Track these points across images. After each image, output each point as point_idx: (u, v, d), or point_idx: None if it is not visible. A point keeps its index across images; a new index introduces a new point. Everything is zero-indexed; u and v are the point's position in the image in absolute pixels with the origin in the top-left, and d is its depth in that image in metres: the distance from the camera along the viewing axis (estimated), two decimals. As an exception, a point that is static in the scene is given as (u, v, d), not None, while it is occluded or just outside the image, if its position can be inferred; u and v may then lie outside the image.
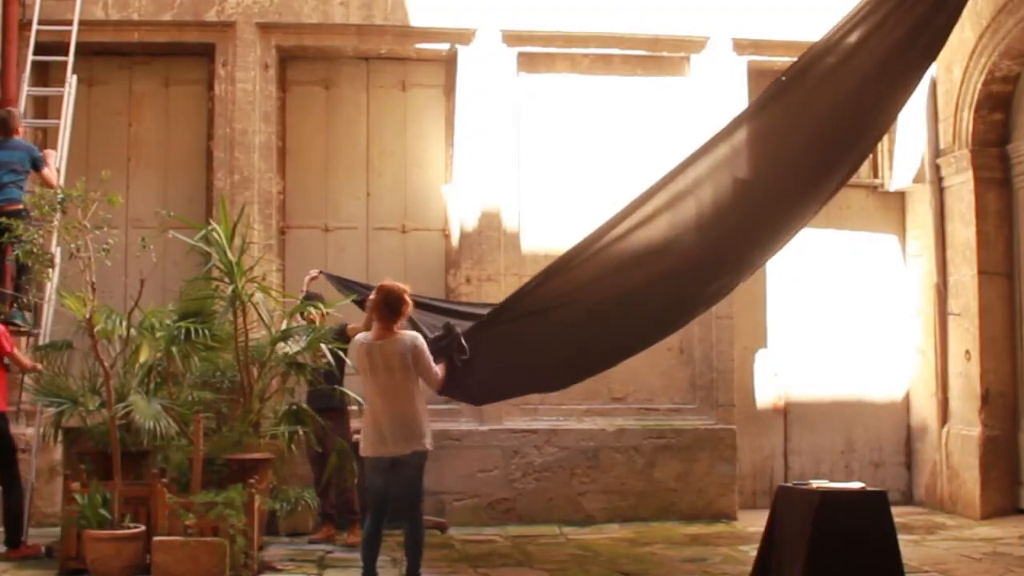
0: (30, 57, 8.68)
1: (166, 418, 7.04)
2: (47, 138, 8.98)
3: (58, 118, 8.46)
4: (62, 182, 7.99)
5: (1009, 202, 9.36)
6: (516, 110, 9.49)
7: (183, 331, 7.31)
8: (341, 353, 7.37)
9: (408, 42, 9.48)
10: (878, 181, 10.26)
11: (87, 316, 6.80)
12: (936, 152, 9.77)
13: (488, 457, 9.15)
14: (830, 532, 5.90)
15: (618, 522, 9.09)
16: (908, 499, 10.06)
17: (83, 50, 8.86)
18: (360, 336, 6.38)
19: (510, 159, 9.41)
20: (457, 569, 7.23)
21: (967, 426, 9.34)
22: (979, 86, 9.22)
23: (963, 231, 9.45)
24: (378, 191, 9.60)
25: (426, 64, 9.75)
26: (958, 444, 9.42)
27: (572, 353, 7.27)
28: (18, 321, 7.82)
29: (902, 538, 6.45)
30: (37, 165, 7.96)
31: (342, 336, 7.70)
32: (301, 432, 7.54)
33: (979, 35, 9.13)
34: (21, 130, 8.22)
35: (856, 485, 6.50)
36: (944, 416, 9.66)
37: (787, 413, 10.05)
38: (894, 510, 6.22)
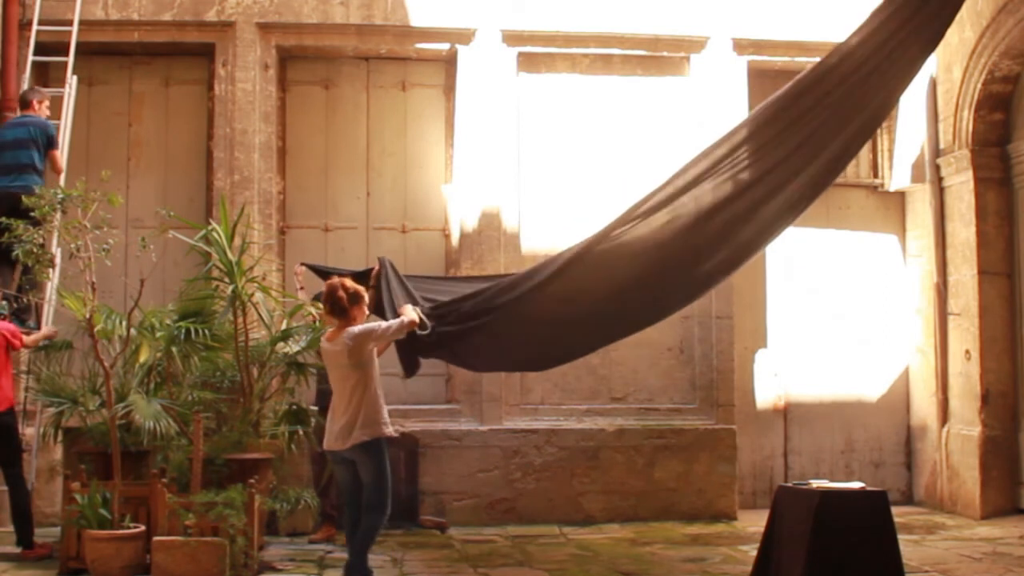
0: (30, 57, 8.68)
1: (166, 418, 7.04)
2: (47, 138, 8.98)
3: (58, 118, 8.46)
4: (62, 182, 8.00)
5: (1009, 202, 9.36)
6: (516, 110, 9.49)
7: (183, 331, 7.32)
8: None
9: (408, 42, 9.48)
10: (878, 181, 10.26)
11: (87, 316, 6.81)
12: (936, 152, 9.77)
13: (488, 457, 9.15)
14: (830, 532, 5.91)
15: (618, 522, 9.10)
16: (908, 499, 10.06)
17: (83, 50, 8.85)
18: (327, 331, 6.40)
19: (510, 159, 9.41)
20: (457, 569, 7.22)
21: (967, 426, 9.34)
22: (979, 86, 9.22)
23: (963, 231, 9.45)
24: (378, 191, 9.60)
25: (426, 64, 9.75)
26: (958, 444, 9.42)
27: (563, 335, 7.31)
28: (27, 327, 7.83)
29: (902, 538, 6.46)
30: (52, 144, 8.01)
31: None
32: (301, 432, 7.55)
33: (979, 35, 9.13)
34: (38, 106, 8.23)
35: (856, 485, 6.49)
36: (944, 416, 9.66)
37: (787, 413, 10.05)
38: (894, 510, 6.22)
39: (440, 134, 9.70)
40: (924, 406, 9.97)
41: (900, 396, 10.21)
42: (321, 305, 7.75)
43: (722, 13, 9.59)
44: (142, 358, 7.48)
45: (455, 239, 9.46)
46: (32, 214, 6.90)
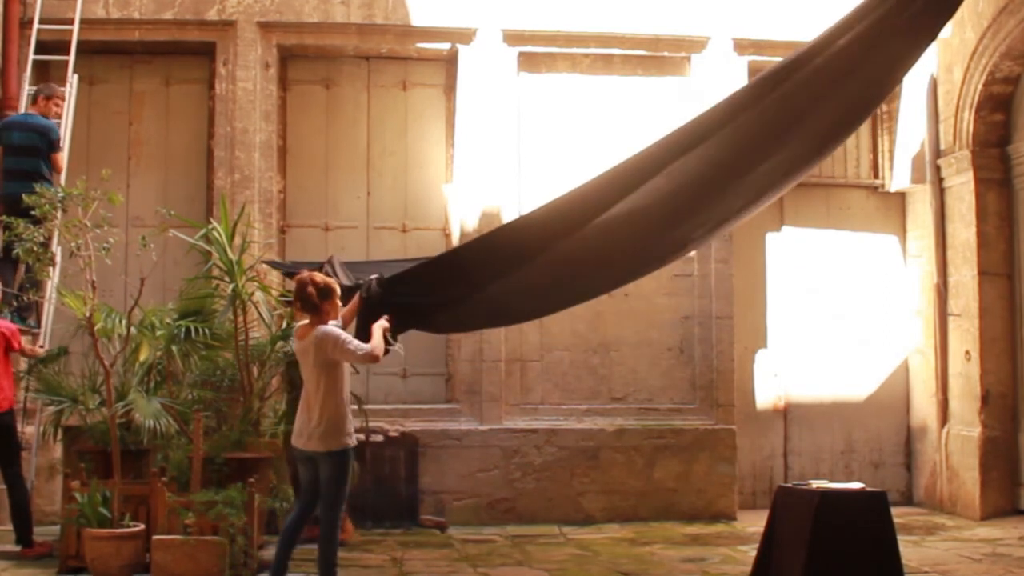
0: (31, 56, 8.68)
1: (166, 417, 7.05)
2: (47, 137, 8.98)
3: (59, 117, 8.44)
4: (63, 181, 8.00)
5: (1009, 203, 9.36)
6: (517, 110, 9.49)
7: (183, 330, 7.33)
8: None
9: (409, 41, 9.48)
10: (878, 181, 10.27)
11: (87, 315, 6.80)
12: (936, 153, 9.77)
13: (488, 457, 9.15)
14: (830, 532, 5.91)
15: (618, 522, 9.10)
16: (908, 499, 10.06)
17: (84, 49, 8.85)
18: (297, 327, 6.10)
19: (510, 159, 9.41)
20: (457, 568, 7.22)
21: (967, 427, 9.34)
22: (980, 87, 9.22)
23: (963, 232, 9.45)
24: (378, 190, 9.61)
25: (427, 63, 9.76)
26: (958, 445, 9.42)
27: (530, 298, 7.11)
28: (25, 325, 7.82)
29: (902, 539, 6.46)
30: (53, 147, 8.01)
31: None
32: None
33: (980, 36, 9.13)
34: (44, 103, 8.20)
35: (856, 485, 6.50)
36: (944, 417, 9.66)
37: (787, 413, 10.05)
38: (894, 510, 6.23)
39: (441, 134, 9.70)
40: (924, 407, 9.97)
41: (900, 397, 10.21)
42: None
43: (722, 13, 9.59)
44: (142, 357, 7.49)
45: (455, 238, 9.46)
46: (33, 213, 6.90)
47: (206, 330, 7.41)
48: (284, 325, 7.75)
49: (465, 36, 9.43)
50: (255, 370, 7.67)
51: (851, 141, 10.28)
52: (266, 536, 7.67)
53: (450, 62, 9.64)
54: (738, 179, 6.51)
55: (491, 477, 9.14)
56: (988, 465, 9.12)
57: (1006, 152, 9.32)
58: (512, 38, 9.46)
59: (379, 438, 8.81)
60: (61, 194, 6.94)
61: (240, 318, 7.52)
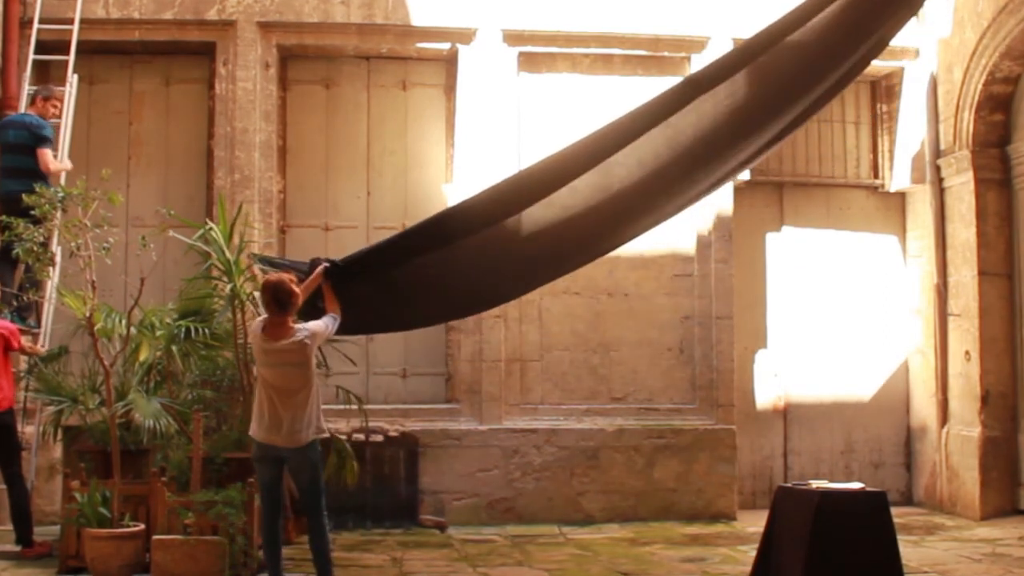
0: (31, 56, 8.68)
1: (166, 416, 7.05)
2: (47, 137, 8.98)
3: (59, 117, 8.44)
4: (63, 181, 7.99)
5: (1009, 203, 9.35)
6: (517, 110, 9.49)
7: (183, 330, 7.33)
8: None
9: (409, 41, 9.48)
10: (878, 181, 10.26)
11: (87, 315, 6.80)
12: (936, 153, 9.77)
13: (488, 457, 9.15)
14: (830, 532, 5.91)
15: (618, 522, 9.09)
16: (908, 500, 10.06)
17: (84, 48, 8.85)
18: (257, 325, 6.08)
19: (510, 159, 9.39)
20: (456, 568, 7.23)
21: (967, 427, 9.34)
22: (980, 87, 9.22)
23: (963, 232, 9.44)
24: (378, 190, 9.60)
25: (427, 63, 9.76)
26: (958, 445, 9.42)
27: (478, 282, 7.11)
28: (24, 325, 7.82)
29: (902, 539, 6.46)
30: (39, 142, 7.94)
31: None
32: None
33: (980, 36, 9.12)
34: (41, 103, 8.16)
35: (856, 485, 6.50)
36: (944, 417, 9.66)
37: (787, 413, 10.05)
38: (894, 511, 6.22)
39: (441, 133, 9.70)
40: (924, 407, 9.96)
41: (900, 397, 10.21)
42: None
43: (722, 13, 9.59)
44: (142, 357, 7.49)
45: (455, 238, 9.45)
46: (32, 212, 6.90)
47: (206, 330, 7.41)
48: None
49: (465, 36, 9.43)
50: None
51: (851, 141, 10.30)
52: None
53: (450, 62, 9.64)
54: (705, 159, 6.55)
55: (491, 477, 9.14)
56: (988, 465, 9.11)
57: (1006, 152, 9.32)
58: (512, 38, 9.46)
59: (379, 438, 8.81)
60: (61, 194, 6.94)
61: (239, 318, 7.52)
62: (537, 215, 6.59)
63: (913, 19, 9.79)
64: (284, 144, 9.53)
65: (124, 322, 7.24)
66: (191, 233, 7.89)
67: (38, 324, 8.09)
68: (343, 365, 8.21)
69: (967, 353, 9.37)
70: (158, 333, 7.42)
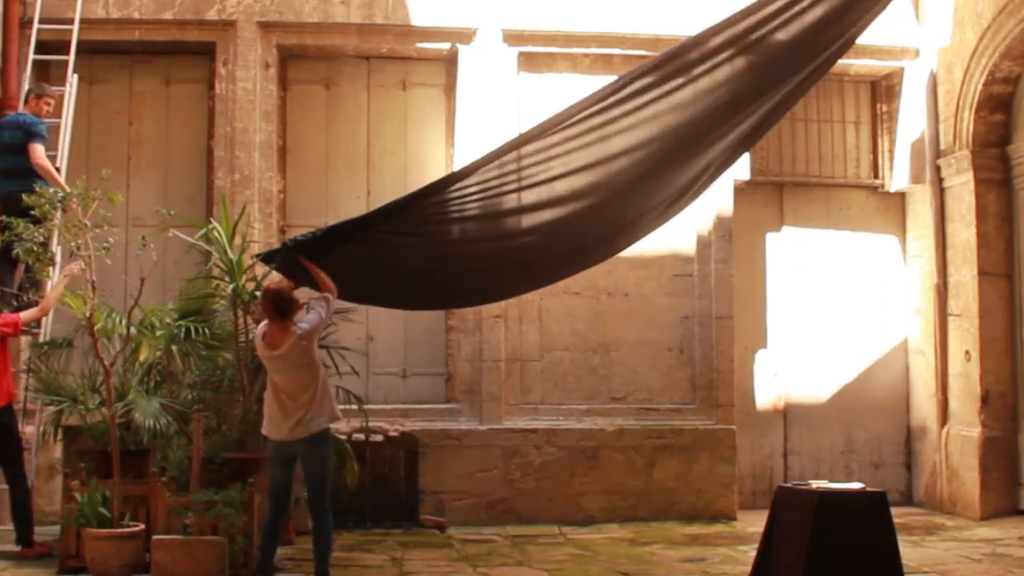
0: (31, 55, 8.67)
1: (166, 416, 7.05)
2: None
3: (59, 117, 8.45)
4: (62, 180, 7.99)
5: (1009, 203, 9.36)
6: (517, 110, 9.48)
7: (183, 330, 7.33)
8: None
9: (409, 41, 9.48)
10: (878, 182, 10.26)
11: (87, 315, 6.81)
12: (936, 153, 9.77)
13: (488, 457, 9.15)
14: (830, 532, 5.91)
15: (618, 522, 9.09)
16: (908, 500, 10.06)
17: (84, 48, 8.84)
18: (259, 333, 6.21)
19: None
20: (456, 568, 7.23)
21: (967, 427, 9.34)
22: (980, 87, 9.22)
23: (963, 232, 9.45)
24: (378, 190, 9.59)
25: (427, 63, 9.76)
26: (958, 445, 9.42)
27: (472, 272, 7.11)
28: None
29: (902, 539, 6.46)
30: (30, 138, 7.87)
31: None
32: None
33: (980, 36, 9.13)
34: (35, 102, 8.12)
35: (856, 485, 6.50)
36: (944, 417, 9.66)
37: (787, 413, 10.05)
38: (894, 511, 6.22)
39: (441, 134, 9.70)
40: (924, 407, 9.96)
41: (900, 397, 10.21)
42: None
43: (722, 13, 9.55)
44: (142, 357, 7.49)
45: (455, 238, 9.46)
46: (32, 212, 6.90)
47: (206, 330, 7.41)
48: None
49: (465, 36, 9.43)
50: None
51: (851, 141, 10.30)
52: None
53: (450, 62, 9.64)
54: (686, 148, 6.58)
55: (491, 477, 9.14)
56: (988, 465, 9.12)
57: (1006, 152, 9.32)
58: (512, 38, 9.46)
59: (379, 438, 8.81)
60: (61, 194, 6.94)
61: (240, 318, 7.52)
62: (536, 213, 6.63)
63: (913, 19, 9.87)
64: (284, 144, 9.53)
65: (124, 322, 7.24)
66: (191, 233, 7.89)
67: (38, 324, 8.08)
68: (343, 365, 8.21)
69: (967, 353, 9.37)
70: (158, 333, 7.42)
